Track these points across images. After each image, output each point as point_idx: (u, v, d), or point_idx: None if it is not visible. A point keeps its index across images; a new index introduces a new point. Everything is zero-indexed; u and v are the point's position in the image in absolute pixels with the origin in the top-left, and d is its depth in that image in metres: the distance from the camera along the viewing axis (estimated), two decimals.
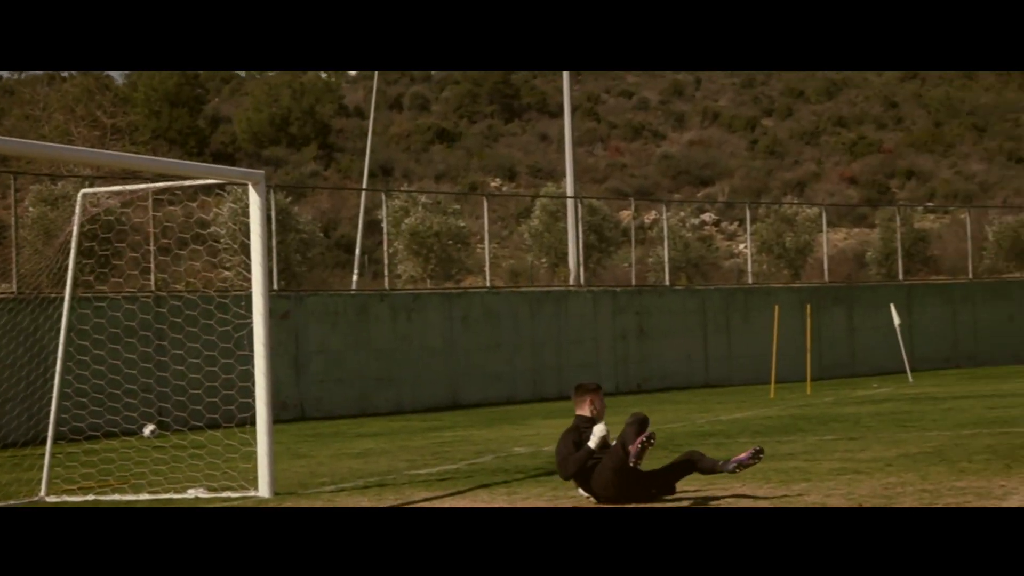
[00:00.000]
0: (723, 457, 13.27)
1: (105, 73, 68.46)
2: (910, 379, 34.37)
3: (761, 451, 12.75)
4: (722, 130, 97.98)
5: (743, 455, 12.69)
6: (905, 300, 40.65)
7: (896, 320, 33.96)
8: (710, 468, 12.86)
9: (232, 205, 35.55)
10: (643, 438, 12.45)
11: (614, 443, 12.78)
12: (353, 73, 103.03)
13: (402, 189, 56.11)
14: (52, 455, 15.73)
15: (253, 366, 15.14)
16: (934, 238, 59.60)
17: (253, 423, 15.07)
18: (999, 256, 53.19)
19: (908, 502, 11.76)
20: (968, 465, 14.36)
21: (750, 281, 42.83)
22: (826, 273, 43.69)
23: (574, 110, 49.43)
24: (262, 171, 16.15)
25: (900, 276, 44.87)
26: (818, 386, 33.54)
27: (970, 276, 45.89)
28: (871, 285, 44.04)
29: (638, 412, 12.92)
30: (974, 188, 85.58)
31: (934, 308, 42.08)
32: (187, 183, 17.08)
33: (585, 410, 13.20)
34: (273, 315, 24.19)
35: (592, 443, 12.85)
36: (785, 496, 12.60)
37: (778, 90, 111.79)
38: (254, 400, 15.08)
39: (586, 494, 13.03)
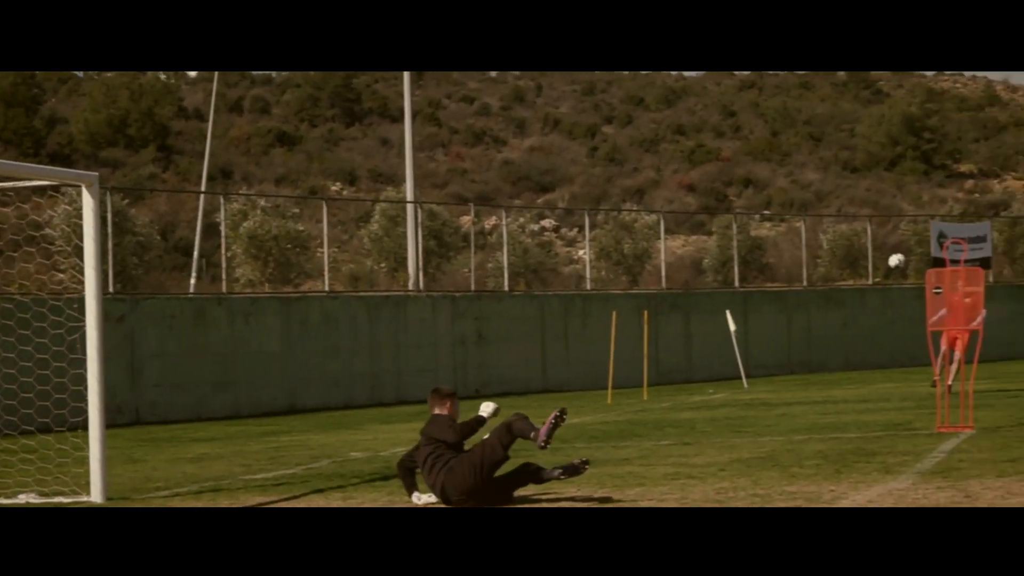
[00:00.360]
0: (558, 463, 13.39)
1: None
2: (745, 385, 34.80)
3: (563, 413, 12.92)
4: (562, 137, 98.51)
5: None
6: (741, 307, 41.15)
7: (732, 327, 34.37)
8: (546, 478, 13.00)
9: (67, 207, 35.07)
10: (557, 414, 12.72)
11: (486, 437, 12.95)
12: (193, 75, 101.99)
13: (241, 192, 55.62)
14: None
15: (86, 370, 14.95)
16: (770, 246, 60.49)
17: (86, 428, 14.87)
18: (833, 264, 54.10)
19: (740, 506, 11.92)
20: (799, 470, 14.59)
21: (588, 287, 43.11)
22: (663, 280, 44.12)
23: (415, 115, 49.43)
24: (96, 173, 15.94)
25: (736, 283, 45.43)
26: (655, 391, 33.82)
27: (804, 284, 46.59)
28: (708, 292, 44.53)
29: (519, 412, 13.20)
30: (809, 197, 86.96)
31: (769, 315, 42.66)
32: (20, 184, 16.79)
33: (444, 412, 13.31)
34: (108, 319, 23.88)
35: (484, 412, 13.12)
36: (620, 501, 12.71)
37: (618, 98, 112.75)
38: (87, 404, 14.88)
39: (432, 499, 13.07)
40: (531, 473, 13.02)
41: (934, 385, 22.98)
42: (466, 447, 13.07)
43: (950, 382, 24.32)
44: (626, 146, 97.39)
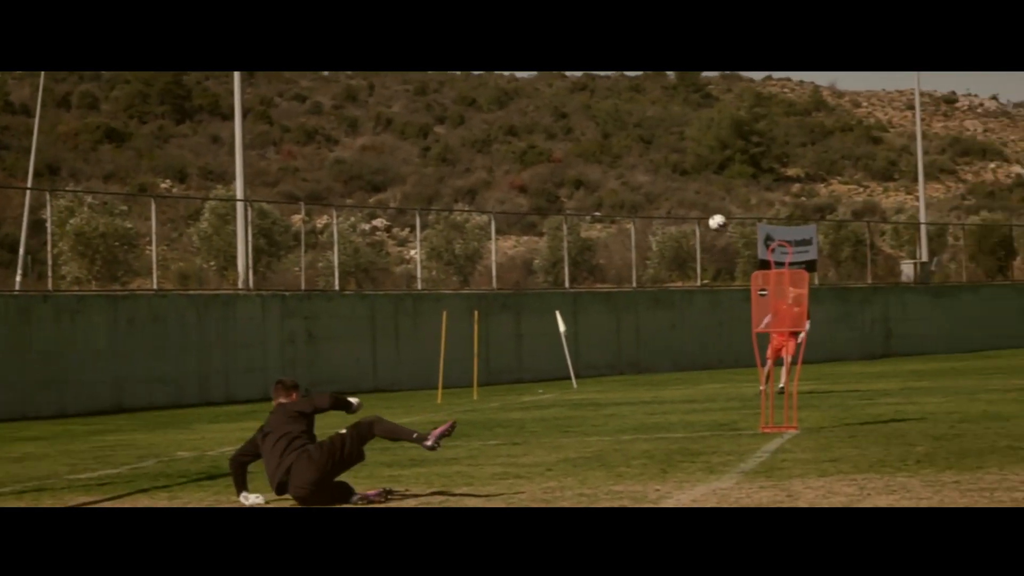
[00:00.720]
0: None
1: None
2: (574, 385, 34.99)
3: (455, 424, 13.14)
4: (395, 136, 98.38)
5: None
6: (571, 307, 41.39)
7: (561, 327, 34.54)
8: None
9: None
10: (452, 423, 13.16)
11: (342, 431, 12.99)
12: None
13: (68, 189, 54.82)
14: None
15: None
16: (600, 247, 61.01)
17: None
18: (662, 266, 54.72)
19: (567, 506, 12.00)
20: (626, 470, 14.72)
21: (419, 287, 43.12)
22: (494, 280, 44.26)
23: (246, 113, 49.07)
24: None
25: (567, 284, 45.73)
26: (485, 391, 33.89)
27: (634, 285, 47.02)
28: (538, 292, 44.78)
29: (376, 414, 13.47)
30: (640, 199, 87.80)
31: (599, 316, 42.96)
32: None
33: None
34: None
35: (355, 400, 13.58)
36: (447, 502, 12.74)
37: (450, 98, 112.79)
38: None
39: (260, 500, 13.00)
40: (374, 425, 13.08)
41: (759, 395, 23.33)
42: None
43: (783, 384, 24.71)
44: (458, 146, 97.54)
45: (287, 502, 12.87)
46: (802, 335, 24.61)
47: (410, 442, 13.10)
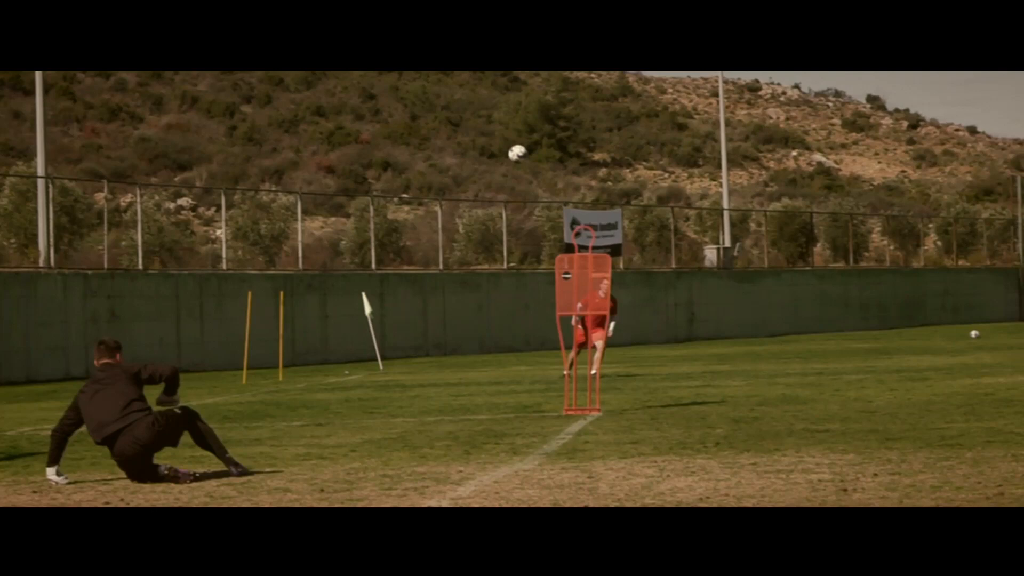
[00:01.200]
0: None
1: None
2: (381, 367, 34.97)
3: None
4: (201, 115, 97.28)
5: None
6: (378, 289, 41.38)
7: (367, 309, 34.48)
8: (210, 446, 13.25)
9: None
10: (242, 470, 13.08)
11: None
12: None
13: None
14: None
15: None
16: (407, 229, 60.96)
17: None
18: (469, 248, 54.92)
19: (369, 487, 12.04)
20: (430, 451, 14.79)
21: (225, 267, 42.75)
22: (300, 261, 44.03)
23: (48, 89, 48.17)
24: None
25: (373, 265, 45.67)
26: (291, 372, 33.78)
27: (441, 267, 47.11)
28: (345, 274, 44.63)
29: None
30: (447, 181, 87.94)
31: (406, 298, 42.98)
32: None
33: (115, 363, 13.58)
34: None
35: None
36: (252, 480, 12.68)
37: (257, 77, 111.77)
38: None
39: (65, 480, 12.90)
40: (204, 435, 13.25)
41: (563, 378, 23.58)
42: None
43: (595, 370, 25.07)
44: (265, 126, 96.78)
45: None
46: (611, 328, 25.11)
47: (219, 459, 13.12)
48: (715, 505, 10.38)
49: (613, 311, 25.79)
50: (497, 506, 10.67)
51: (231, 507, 11.06)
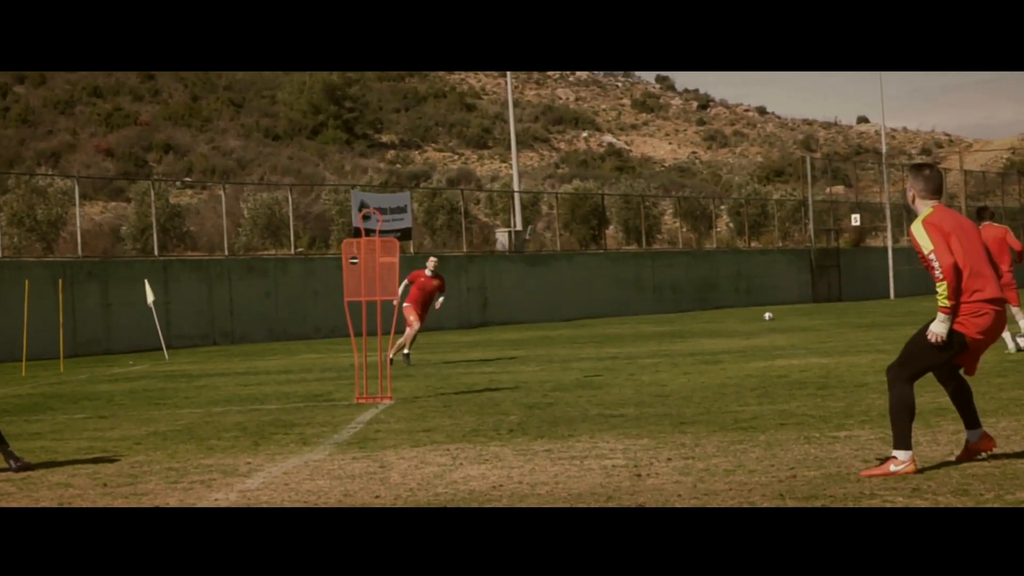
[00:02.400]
0: None
1: None
2: (166, 357, 34.65)
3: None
4: None
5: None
6: (162, 276, 40.95)
7: (150, 297, 34.09)
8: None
9: None
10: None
11: None
12: None
13: None
14: None
15: None
16: (191, 214, 60.47)
17: None
18: (255, 233, 54.61)
19: (155, 480, 11.94)
20: (217, 443, 14.70)
21: (1, 255, 41.92)
22: (80, 247, 43.35)
23: None
24: None
25: (156, 252, 45.17)
26: (72, 363, 33.28)
27: (227, 253, 46.75)
28: (127, 260, 44.08)
29: None
30: (232, 164, 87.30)
31: (191, 284, 42.58)
32: None
33: None
34: None
35: None
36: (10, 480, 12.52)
37: None
38: None
39: None
40: None
41: (392, 362, 23.73)
42: None
43: (407, 351, 25.48)
44: (40, 107, 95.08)
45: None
46: (439, 302, 26.08)
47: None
48: (507, 493, 10.49)
49: (442, 289, 26.61)
50: (286, 498, 10.66)
51: (9, 506, 10.89)
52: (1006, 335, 23.22)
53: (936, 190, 10.73)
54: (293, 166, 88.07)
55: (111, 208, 70.71)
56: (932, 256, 10.39)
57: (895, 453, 10.49)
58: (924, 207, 10.70)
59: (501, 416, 16.38)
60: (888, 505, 9.08)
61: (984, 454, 10.95)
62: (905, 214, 79.72)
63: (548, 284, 53.18)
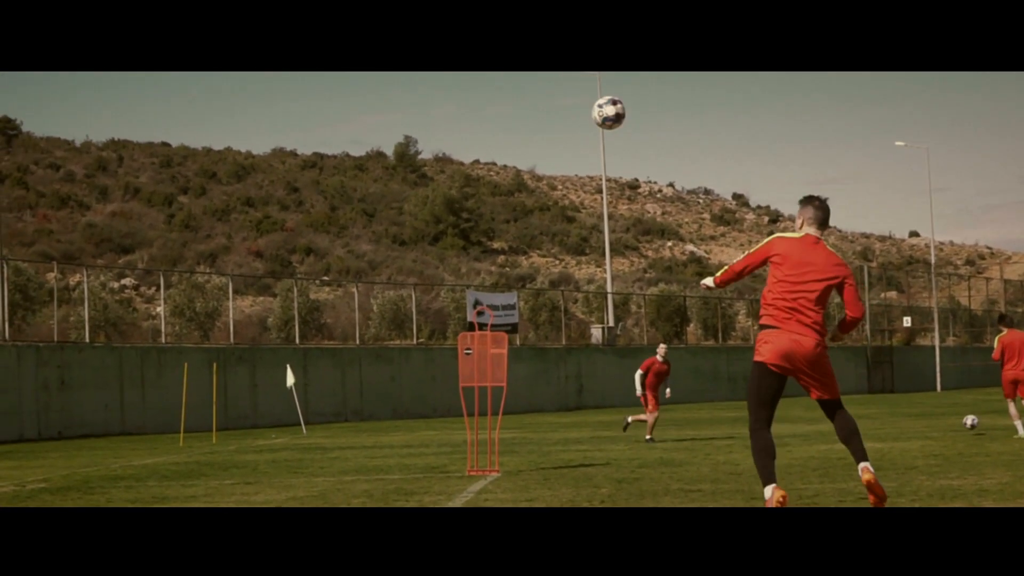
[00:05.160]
0: None
1: None
2: (304, 431, 34.79)
3: None
4: (142, 204, 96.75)
5: None
6: (302, 361, 41.26)
7: (291, 379, 34.26)
8: None
9: None
10: None
11: None
12: None
13: None
14: None
15: None
16: (328, 308, 60.85)
17: None
18: (383, 325, 54.82)
19: None
20: (346, 506, 14.75)
21: (164, 341, 42.44)
22: (232, 335, 43.81)
23: (3, 179, 47.68)
24: None
25: (297, 340, 45.52)
26: (223, 436, 33.52)
27: (358, 342, 47.01)
28: (272, 347, 44.44)
29: None
30: (363, 265, 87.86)
31: (327, 369, 42.86)
32: None
33: None
34: None
35: None
36: None
37: (193, 170, 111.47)
38: None
39: None
40: None
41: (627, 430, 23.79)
42: None
43: (649, 436, 25.59)
44: (200, 214, 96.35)
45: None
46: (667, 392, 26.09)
47: None
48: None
49: (667, 373, 26.69)
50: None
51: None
52: (1017, 422, 23.22)
53: (819, 221, 10.54)
54: (416, 268, 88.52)
55: (259, 302, 71.35)
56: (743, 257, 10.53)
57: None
58: (799, 232, 10.55)
59: (594, 489, 16.29)
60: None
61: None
62: (951, 317, 78.83)
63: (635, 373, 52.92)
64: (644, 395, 25.84)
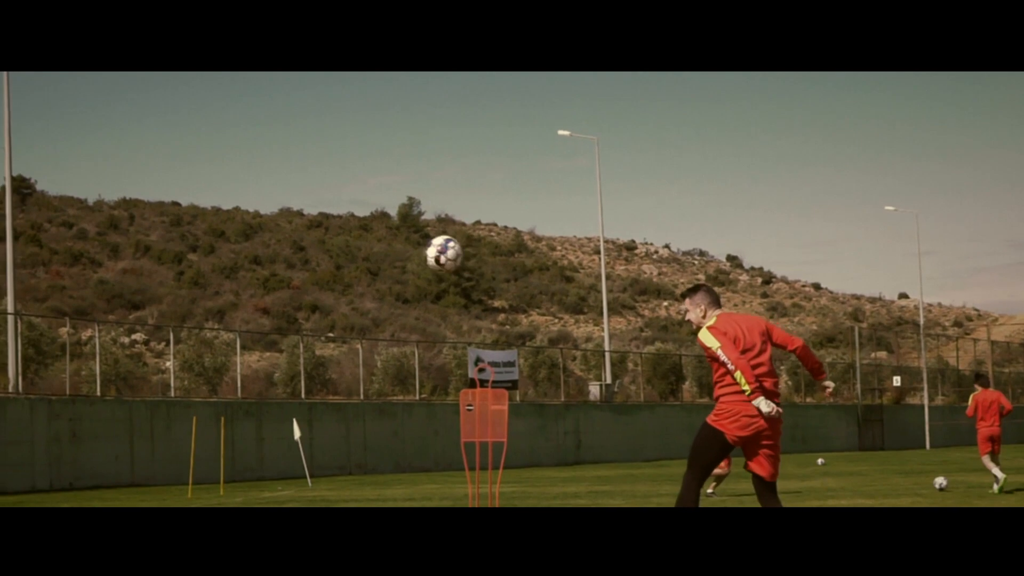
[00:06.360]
0: None
1: None
2: (309, 483, 34.84)
3: None
4: (152, 261, 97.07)
5: None
6: (307, 415, 41.33)
7: (297, 433, 34.36)
8: None
9: None
10: None
11: None
12: None
13: None
14: None
15: None
16: (333, 363, 60.95)
17: None
18: (386, 381, 54.93)
19: None
20: None
21: (173, 394, 42.53)
22: (239, 390, 43.90)
23: (18, 236, 47.97)
24: None
25: (303, 395, 45.61)
26: (230, 487, 33.55)
27: (362, 397, 47.10)
28: (278, 402, 44.52)
29: None
30: (367, 323, 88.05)
31: (331, 423, 42.91)
32: None
33: None
34: None
35: None
36: None
37: (202, 229, 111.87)
38: None
39: None
40: None
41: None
42: None
43: (711, 491, 24.97)
44: (209, 272, 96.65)
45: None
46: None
47: None
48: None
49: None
50: None
51: None
52: (996, 471, 23.52)
53: (717, 302, 10.72)
54: (419, 325, 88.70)
55: (266, 357, 71.46)
56: (719, 352, 10.27)
57: None
58: (711, 318, 10.58)
59: None
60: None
61: None
62: (940, 376, 78.91)
63: (632, 429, 53.02)
64: None
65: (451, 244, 16.96)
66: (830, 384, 11.19)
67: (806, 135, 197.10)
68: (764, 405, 10.13)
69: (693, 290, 10.84)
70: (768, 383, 10.41)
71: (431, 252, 16.98)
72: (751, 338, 10.43)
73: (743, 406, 10.28)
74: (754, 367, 10.33)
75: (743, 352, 10.33)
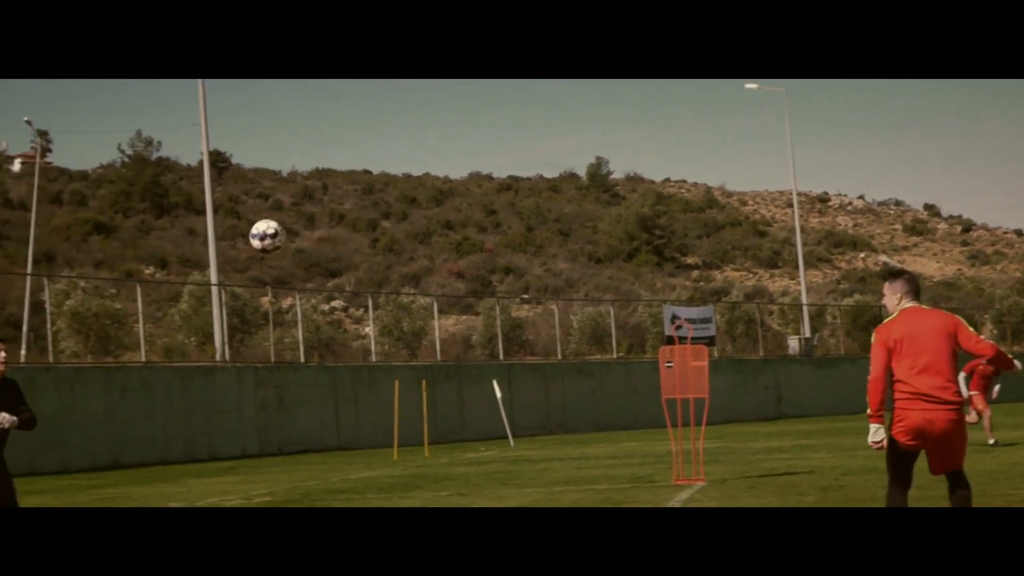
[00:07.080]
0: None
1: None
2: (512, 444, 35.10)
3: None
4: (347, 230, 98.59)
5: None
6: (506, 376, 41.61)
7: (498, 394, 34.69)
8: None
9: None
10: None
11: None
12: (16, 169, 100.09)
13: (64, 275, 54.63)
14: None
15: None
16: (529, 325, 61.25)
17: None
18: (582, 340, 55.03)
19: None
20: None
21: (374, 359, 43.22)
22: (438, 353, 44.42)
23: (217, 209, 49.19)
24: None
25: (501, 356, 45.95)
26: (435, 449, 34.00)
27: (559, 357, 47.29)
28: (477, 364, 44.91)
29: None
30: (561, 283, 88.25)
31: (530, 384, 43.15)
32: None
33: None
34: None
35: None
36: None
37: (394, 196, 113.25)
38: None
39: None
40: None
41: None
42: None
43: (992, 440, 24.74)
44: (403, 238, 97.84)
45: None
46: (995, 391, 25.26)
47: None
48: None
49: (997, 372, 24.40)
50: None
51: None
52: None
53: (915, 294, 10.18)
54: (612, 284, 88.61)
55: (463, 321, 72.13)
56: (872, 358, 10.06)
57: None
58: (897, 311, 10.15)
59: (799, 496, 16.22)
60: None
61: None
62: None
63: (833, 382, 52.27)
64: (970, 397, 24.55)
65: (266, 230, 16.80)
66: (1018, 364, 11.01)
67: (999, 81, 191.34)
68: (873, 434, 10.11)
69: (895, 275, 10.42)
70: (934, 387, 10.02)
71: (255, 244, 16.85)
72: (926, 340, 9.97)
73: (905, 412, 10.10)
74: (921, 370, 9.98)
75: (909, 355, 9.97)
